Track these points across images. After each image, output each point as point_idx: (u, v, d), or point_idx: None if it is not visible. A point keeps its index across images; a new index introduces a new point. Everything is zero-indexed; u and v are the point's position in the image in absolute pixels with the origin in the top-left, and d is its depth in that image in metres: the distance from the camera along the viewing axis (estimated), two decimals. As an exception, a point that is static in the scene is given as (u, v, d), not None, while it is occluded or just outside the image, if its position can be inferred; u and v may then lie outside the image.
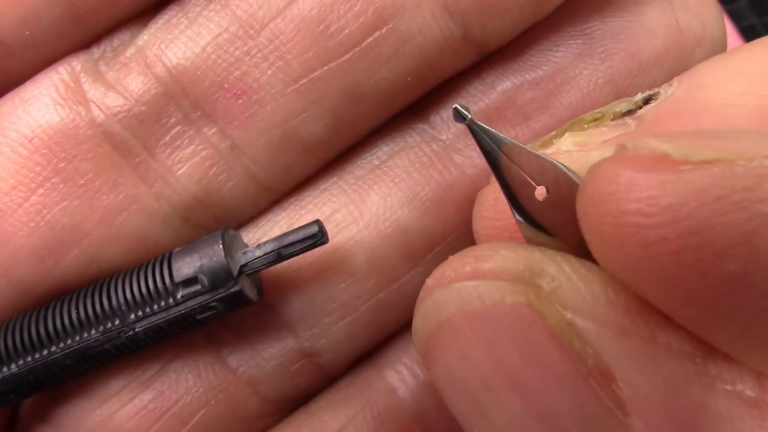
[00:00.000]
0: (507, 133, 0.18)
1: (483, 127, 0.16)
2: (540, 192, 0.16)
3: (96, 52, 0.21)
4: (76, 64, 0.21)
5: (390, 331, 0.22)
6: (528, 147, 0.16)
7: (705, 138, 0.12)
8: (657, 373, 0.13)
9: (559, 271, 0.14)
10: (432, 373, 0.15)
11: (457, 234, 0.22)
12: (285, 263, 0.21)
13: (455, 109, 0.16)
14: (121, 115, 0.20)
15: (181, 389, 0.22)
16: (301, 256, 0.21)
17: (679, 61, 0.21)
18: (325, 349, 0.22)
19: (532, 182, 0.16)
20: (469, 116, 0.16)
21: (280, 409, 0.23)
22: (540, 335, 0.14)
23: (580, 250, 0.15)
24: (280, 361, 0.22)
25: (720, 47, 0.22)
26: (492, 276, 0.14)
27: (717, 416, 0.13)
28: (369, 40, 0.20)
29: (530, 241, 0.17)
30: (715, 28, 0.22)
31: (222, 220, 0.22)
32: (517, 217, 0.16)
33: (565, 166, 0.16)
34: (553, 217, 0.16)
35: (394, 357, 0.23)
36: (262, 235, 0.22)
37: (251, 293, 0.20)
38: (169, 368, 0.22)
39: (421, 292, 0.15)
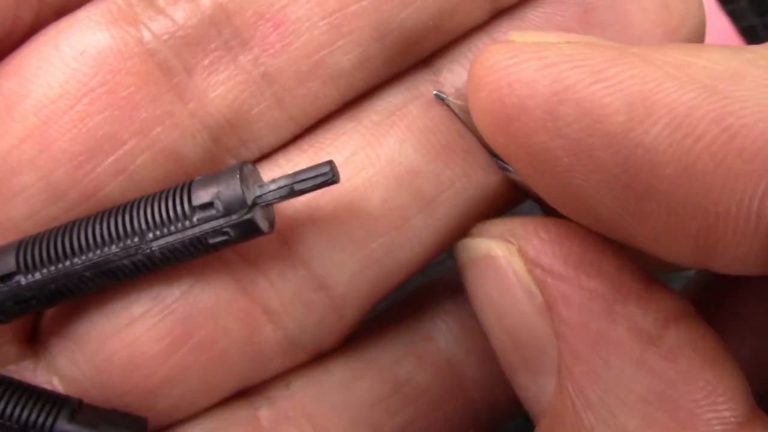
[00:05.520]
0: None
1: (455, 102, 0.23)
2: None
3: None
4: None
5: (398, 267, 0.24)
6: None
7: (532, 32, 0.21)
8: (579, 308, 0.18)
9: (526, 233, 0.20)
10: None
11: (464, 181, 0.23)
12: (301, 201, 0.23)
13: (435, 94, 0.23)
14: (166, 36, 0.22)
15: (202, 316, 0.23)
16: (319, 194, 0.22)
17: (665, 39, 0.22)
18: (339, 282, 0.23)
19: None
20: (447, 97, 0.23)
21: (297, 343, 0.24)
22: (510, 278, 0.20)
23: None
24: (294, 292, 0.23)
25: (700, 30, 0.23)
26: (487, 236, 0.21)
27: (614, 343, 0.18)
28: None
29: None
30: (697, 12, 0.23)
31: (247, 143, 0.23)
32: (501, 165, 0.23)
33: None
34: None
35: (436, 306, 0.27)
36: (282, 174, 0.23)
37: (263, 224, 0.22)
38: (190, 295, 0.23)
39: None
